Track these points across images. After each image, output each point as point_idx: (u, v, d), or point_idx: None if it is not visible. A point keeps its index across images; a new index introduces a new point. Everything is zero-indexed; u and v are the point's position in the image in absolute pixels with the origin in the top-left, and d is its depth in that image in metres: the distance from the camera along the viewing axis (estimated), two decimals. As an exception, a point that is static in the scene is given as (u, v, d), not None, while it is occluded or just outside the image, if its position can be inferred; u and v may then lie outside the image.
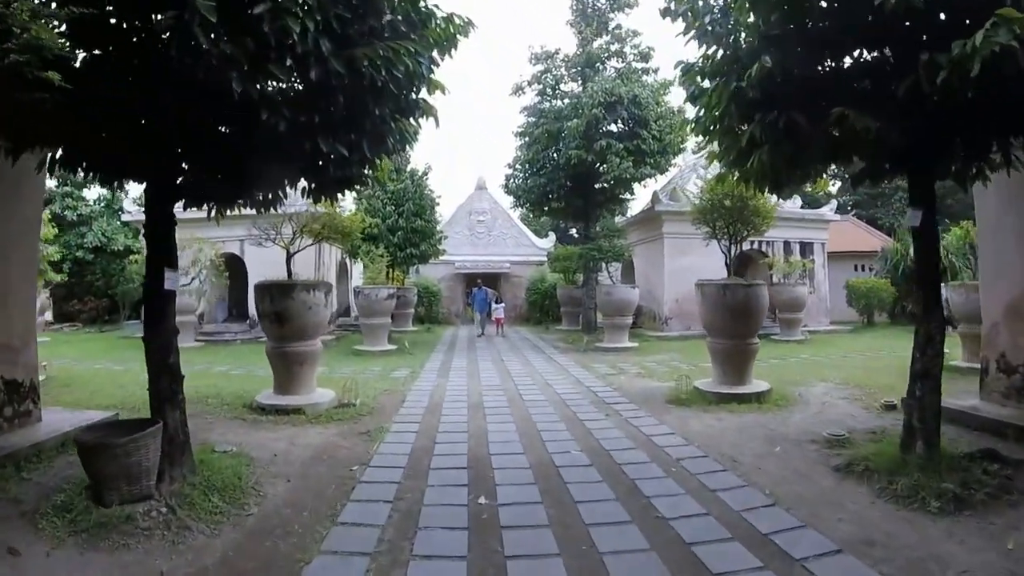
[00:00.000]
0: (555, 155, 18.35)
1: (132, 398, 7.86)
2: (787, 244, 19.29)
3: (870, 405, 7.82)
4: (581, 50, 18.52)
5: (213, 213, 5.41)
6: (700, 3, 5.01)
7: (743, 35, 4.97)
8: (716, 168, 19.32)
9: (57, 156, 4.15)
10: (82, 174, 4.44)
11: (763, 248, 18.69)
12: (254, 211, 5.50)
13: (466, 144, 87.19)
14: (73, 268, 22.59)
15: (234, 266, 17.21)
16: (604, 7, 18.50)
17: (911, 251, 19.88)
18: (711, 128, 5.55)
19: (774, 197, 7.41)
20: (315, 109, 3.86)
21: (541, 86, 18.88)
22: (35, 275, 6.78)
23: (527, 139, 19.18)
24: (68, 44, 3.34)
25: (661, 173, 18.11)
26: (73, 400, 7.87)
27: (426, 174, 18.24)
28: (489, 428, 6.79)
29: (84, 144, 4.03)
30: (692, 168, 20.67)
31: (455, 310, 27.25)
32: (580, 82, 18.39)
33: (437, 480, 5.05)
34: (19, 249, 6.17)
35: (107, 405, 7.41)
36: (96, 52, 3.64)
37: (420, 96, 4.72)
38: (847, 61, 4.94)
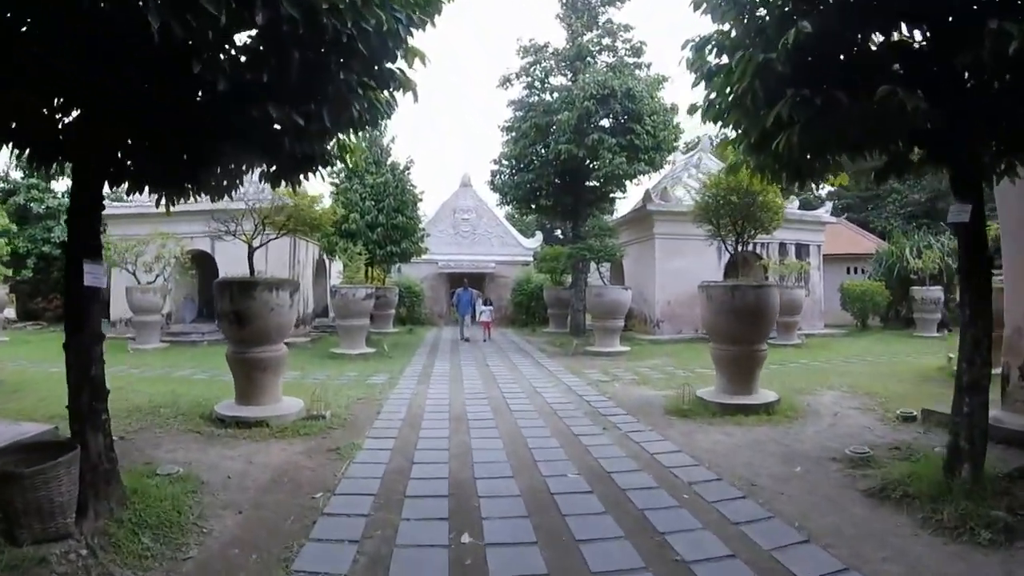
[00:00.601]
0: (543, 150, 17.71)
1: (78, 408, 7.04)
2: (783, 246, 18.77)
3: (885, 416, 7.33)
4: (571, 44, 17.86)
5: (163, 202, 4.70)
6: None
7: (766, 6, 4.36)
8: (712, 166, 18.79)
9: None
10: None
11: (757, 250, 18.15)
12: (210, 199, 4.78)
13: (451, 140, 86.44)
14: (39, 264, 21.55)
15: (204, 263, 16.29)
16: (595, 1, 17.88)
17: (906, 253, 19.78)
18: (726, 113, 4.94)
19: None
20: (264, 67, 3.12)
21: (530, 79, 18.20)
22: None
23: (514, 134, 18.48)
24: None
25: (655, 170, 17.52)
26: (17, 408, 7.05)
27: (408, 168, 17.34)
28: (473, 445, 6.08)
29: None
30: (684, 167, 20.13)
31: (438, 311, 26.50)
32: (570, 76, 17.73)
33: (413, 512, 4.33)
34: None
35: (52, 415, 6.53)
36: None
37: (396, 66, 4.02)
38: (886, 36, 4.37)
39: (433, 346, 16.28)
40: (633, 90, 15.84)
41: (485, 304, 18.73)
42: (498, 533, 3.97)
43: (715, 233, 8.80)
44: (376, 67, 3.66)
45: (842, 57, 4.32)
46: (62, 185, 24.39)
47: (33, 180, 22.20)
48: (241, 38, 3.27)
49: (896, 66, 4.31)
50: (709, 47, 4.75)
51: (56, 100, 3.56)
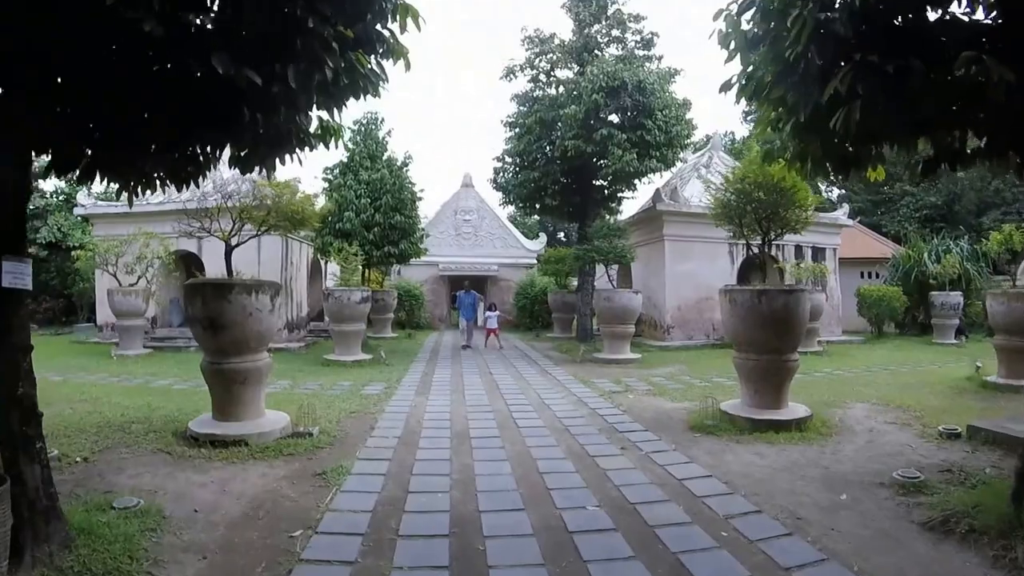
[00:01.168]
0: (549, 147, 16.96)
1: (55, 421, 6.41)
2: (799, 248, 17.95)
3: (924, 432, 6.69)
4: (578, 35, 17.12)
5: (124, 196, 4.04)
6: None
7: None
8: (718, 169, 18.03)
9: None
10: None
11: (773, 252, 17.42)
12: (178, 190, 4.14)
13: (452, 139, 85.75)
14: (26, 265, 20.90)
15: (192, 264, 15.59)
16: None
17: (925, 257, 19.07)
18: (768, 88, 4.30)
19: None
20: (208, 7, 2.45)
21: (535, 71, 17.46)
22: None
23: (518, 129, 17.73)
24: None
25: (667, 167, 16.74)
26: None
27: (406, 164, 16.52)
28: (477, 469, 5.39)
29: None
30: (693, 167, 19.42)
31: (439, 314, 25.78)
32: (577, 68, 16.98)
33: (407, 558, 3.64)
34: None
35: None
36: None
37: (386, 26, 3.37)
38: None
39: (433, 352, 15.56)
40: (644, 82, 15.05)
41: (490, 309, 17.93)
42: (508, 589, 3.30)
43: (738, 234, 8.09)
44: (359, 21, 2.98)
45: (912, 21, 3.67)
46: (50, 185, 23.88)
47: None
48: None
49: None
50: (751, 12, 4.12)
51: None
